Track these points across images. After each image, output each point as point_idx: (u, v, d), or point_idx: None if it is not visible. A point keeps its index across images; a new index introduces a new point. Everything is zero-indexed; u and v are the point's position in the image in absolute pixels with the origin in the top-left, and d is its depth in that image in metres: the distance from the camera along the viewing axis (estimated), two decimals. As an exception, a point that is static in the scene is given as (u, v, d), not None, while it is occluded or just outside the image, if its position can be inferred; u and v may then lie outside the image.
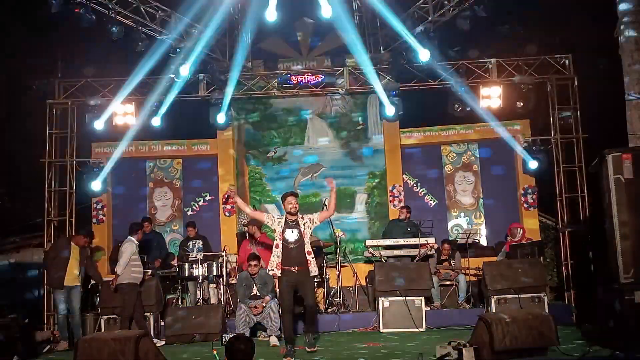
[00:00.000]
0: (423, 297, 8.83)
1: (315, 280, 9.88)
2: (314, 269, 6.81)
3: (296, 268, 6.74)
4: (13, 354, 7.18)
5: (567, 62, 11.48)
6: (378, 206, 12.02)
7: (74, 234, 10.32)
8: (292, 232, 6.80)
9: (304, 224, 6.85)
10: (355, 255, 11.62)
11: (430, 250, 10.08)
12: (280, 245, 6.81)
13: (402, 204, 11.36)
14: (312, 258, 6.82)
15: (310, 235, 6.99)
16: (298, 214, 6.93)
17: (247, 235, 10.39)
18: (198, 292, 9.96)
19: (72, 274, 8.95)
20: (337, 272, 10.26)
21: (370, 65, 11.15)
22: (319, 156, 12.21)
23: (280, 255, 6.78)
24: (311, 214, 7.05)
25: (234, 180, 11.99)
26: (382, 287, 8.84)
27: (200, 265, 9.67)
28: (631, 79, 7.80)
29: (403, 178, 11.94)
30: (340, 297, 10.13)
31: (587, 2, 10.62)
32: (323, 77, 11.87)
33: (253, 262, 8.45)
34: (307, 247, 6.82)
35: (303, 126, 12.33)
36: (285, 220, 6.88)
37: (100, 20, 10.04)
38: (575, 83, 11.39)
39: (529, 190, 11.57)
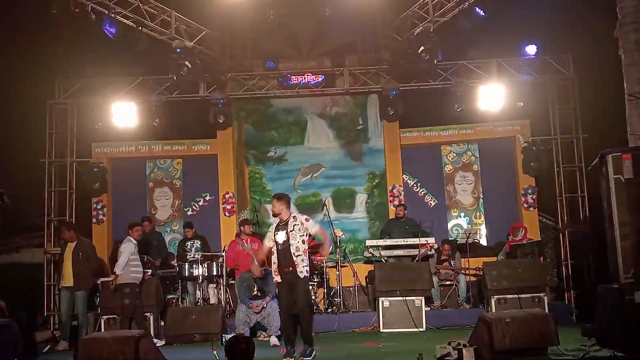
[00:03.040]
0: (423, 297, 8.83)
1: (315, 280, 9.92)
2: (301, 270, 6.66)
3: (288, 269, 6.72)
4: (13, 354, 7.18)
5: (567, 62, 11.48)
6: (378, 206, 12.01)
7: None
8: (281, 233, 6.78)
9: (293, 225, 6.75)
10: (355, 255, 11.61)
11: (430, 250, 10.09)
12: (274, 249, 6.82)
13: (400, 203, 11.35)
14: (301, 259, 6.66)
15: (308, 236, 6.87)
16: (291, 214, 6.87)
17: (235, 235, 10.34)
18: (198, 292, 9.97)
19: (67, 275, 8.93)
20: (337, 272, 10.27)
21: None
22: (319, 156, 12.20)
23: (276, 259, 6.79)
24: (306, 221, 6.81)
25: (234, 180, 11.97)
26: (382, 287, 8.85)
27: (200, 265, 9.67)
28: (631, 79, 7.79)
29: (403, 178, 11.93)
30: (340, 297, 10.13)
31: (587, 2, 10.61)
32: (323, 77, 11.86)
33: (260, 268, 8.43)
34: (293, 249, 6.68)
35: (303, 126, 12.32)
36: (277, 223, 6.90)
37: (100, 20, 10.03)
38: (576, 83, 11.40)
39: (529, 190, 11.57)
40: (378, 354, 6.87)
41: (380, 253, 10.12)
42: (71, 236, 9.15)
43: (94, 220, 11.81)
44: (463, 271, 10.30)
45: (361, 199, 12.08)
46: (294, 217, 6.84)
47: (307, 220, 6.83)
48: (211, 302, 9.99)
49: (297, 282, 6.72)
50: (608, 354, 5.90)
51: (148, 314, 8.90)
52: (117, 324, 8.67)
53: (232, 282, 9.98)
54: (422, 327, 8.63)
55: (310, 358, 6.58)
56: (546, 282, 9.22)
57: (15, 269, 12.64)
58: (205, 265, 9.71)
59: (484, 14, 10.08)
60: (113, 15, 10.16)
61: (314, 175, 12.14)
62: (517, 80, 11.26)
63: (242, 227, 9.92)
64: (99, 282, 9.70)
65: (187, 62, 10.68)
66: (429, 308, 9.35)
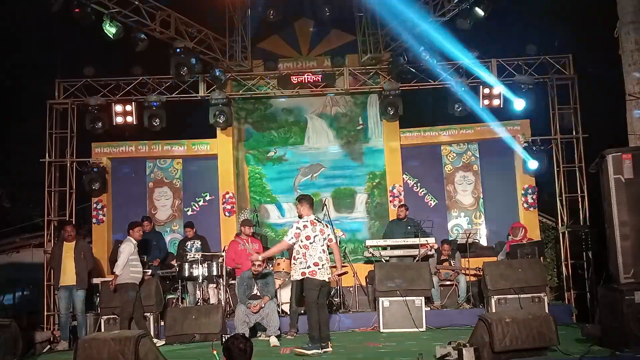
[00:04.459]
0: (423, 297, 8.83)
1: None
2: (296, 272, 7.15)
3: None
4: (13, 354, 7.18)
5: (567, 62, 11.48)
6: (378, 206, 12.02)
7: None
8: None
9: None
10: (355, 255, 11.62)
11: (430, 250, 10.08)
12: None
13: (401, 204, 11.33)
14: (299, 262, 7.07)
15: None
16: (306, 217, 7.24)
17: (235, 235, 10.33)
18: (198, 292, 9.96)
19: (68, 274, 8.94)
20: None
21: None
22: (319, 156, 12.21)
23: None
24: (291, 227, 7.22)
25: (234, 180, 11.97)
26: (382, 287, 8.84)
27: (200, 266, 9.66)
28: (631, 79, 7.80)
29: (403, 178, 11.93)
30: (340, 297, 10.13)
31: (587, 2, 10.61)
32: (323, 77, 11.85)
33: (257, 262, 8.43)
34: (294, 252, 7.22)
35: (303, 126, 12.32)
36: None
37: (100, 20, 10.03)
38: (575, 83, 11.39)
39: (529, 190, 11.56)
40: (378, 354, 6.86)
41: (380, 253, 10.12)
42: (74, 235, 9.20)
43: (94, 220, 11.81)
44: (463, 271, 10.29)
45: (361, 199, 12.09)
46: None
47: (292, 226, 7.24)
48: (211, 302, 9.98)
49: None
50: (608, 354, 5.90)
51: (148, 314, 8.90)
52: (117, 324, 8.66)
53: (233, 282, 9.98)
54: (422, 327, 8.61)
55: (305, 351, 6.80)
56: (546, 282, 9.21)
57: (15, 269, 12.65)
58: (205, 265, 9.70)
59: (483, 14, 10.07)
60: (113, 15, 10.14)
61: (314, 175, 12.15)
62: (517, 80, 11.25)
63: (243, 228, 9.91)
64: (99, 282, 9.72)
65: (187, 62, 10.69)
66: (429, 308, 9.34)
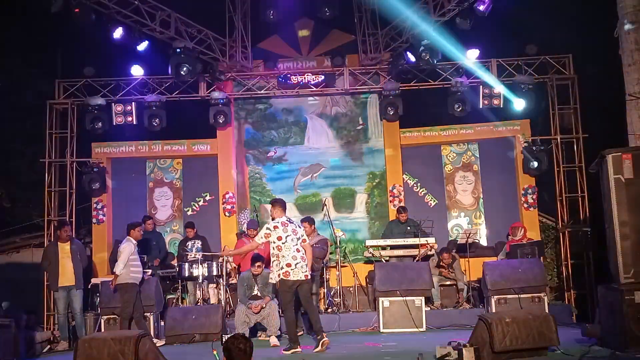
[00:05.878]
0: (423, 297, 8.83)
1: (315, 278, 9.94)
2: (274, 274, 7.22)
3: None
4: (13, 354, 7.19)
5: (567, 62, 11.47)
6: (378, 206, 12.01)
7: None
8: None
9: None
10: (355, 255, 11.62)
11: (430, 250, 10.08)
12: None
13: (402, 204, 11.31)
14: (275, 263, 7.16)
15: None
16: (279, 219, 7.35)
17: (242, 235, 10.33)
18: (198, 292, 9.96)
19: (66, 274, 8.95)
20: (337, 272, 10.26)
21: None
22: (318, 156, 12.20)
23: None
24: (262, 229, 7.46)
25: (234, 180, 11.97)
26: (382, 287, 8.84)
27: (200, 266, 9.66)
28: (631, 79, 7.81)
29: (403, 178, 11.92)
30: (340, 297, 10.13)
31: (587, 2, 10.62)
32: (323, 77, 11.85)
33: (257, 263, 8.43)
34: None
35: (303, 126, 12.32)
36: None
37: (100, 20, 10.03)
38: (575, 83, 11.40)
39: (529, 190, 11.55)
40: (378, 354, 6.86)
41: (380, 253, 10.12)
42: (71, 235, 9.21)
43: (94, 220, 11.81)
44: (464, 275, 10.23)
45: (361, 199, 12.07)
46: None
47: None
48: (211, 302, 9.98)
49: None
50: (608, 354, 5.90)
51: (148, 314, 8.90)
52: (117, 324, 8.67)
53: (233, 282, 9.98)
54: (422, 327, 8.62)
55: (287, 352, 7.01)
56: (546, 282, 9.21)
57: (15, 269, 12.64)
58: (206, 265, 9.70)
59: (484, 13, 10.06)
60: (113, 15, 10.14)
61: (314, 175, 12.14)
62: (517, 80, 11.25)
63: (249, 231, 9.84)
64: (98, 282, 9.72)
65: (187, 62, 10.69)
66: (429, 308, 9.34)
